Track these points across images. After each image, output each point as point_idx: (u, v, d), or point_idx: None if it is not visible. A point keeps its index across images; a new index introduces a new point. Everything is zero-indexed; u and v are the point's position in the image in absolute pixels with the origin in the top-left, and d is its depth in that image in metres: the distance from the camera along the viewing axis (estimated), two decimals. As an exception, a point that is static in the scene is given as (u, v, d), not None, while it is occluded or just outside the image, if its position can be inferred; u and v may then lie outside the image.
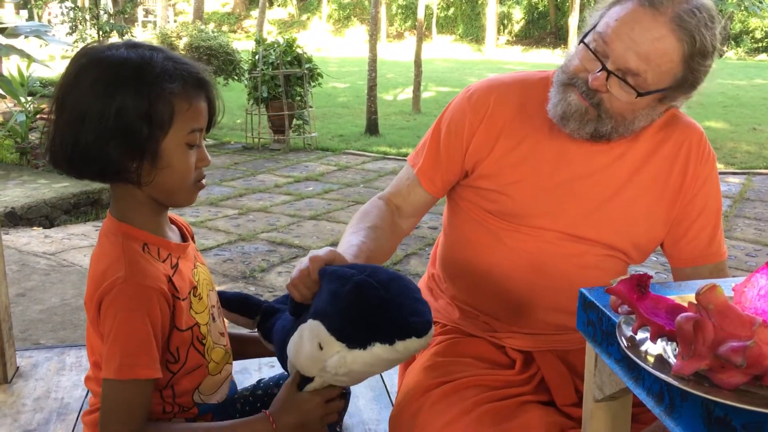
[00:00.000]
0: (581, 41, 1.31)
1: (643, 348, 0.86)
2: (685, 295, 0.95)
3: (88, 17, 12.11)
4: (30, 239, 4.72)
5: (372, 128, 9.43)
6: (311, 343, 1.16)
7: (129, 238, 1.16)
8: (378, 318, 1.13)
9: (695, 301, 0.78)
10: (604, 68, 1.26)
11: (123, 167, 1.11)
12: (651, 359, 0.84)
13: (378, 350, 1.13)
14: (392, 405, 1.49)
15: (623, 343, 0.87)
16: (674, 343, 0.84)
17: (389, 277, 1.18)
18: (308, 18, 30.55)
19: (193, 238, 1.34)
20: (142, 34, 18.34)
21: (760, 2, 23.27)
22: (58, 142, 1.12)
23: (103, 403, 1.11)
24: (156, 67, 1.11)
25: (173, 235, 1.26)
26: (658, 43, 1.22)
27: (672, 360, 0.82)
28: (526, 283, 1.41)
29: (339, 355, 1.14)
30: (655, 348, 0.86)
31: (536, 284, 1.41)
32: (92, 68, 1.11)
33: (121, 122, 1.08)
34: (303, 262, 1.22)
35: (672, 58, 1.24)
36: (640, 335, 0.88)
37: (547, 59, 22.45)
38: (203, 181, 1.21)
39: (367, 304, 1.14)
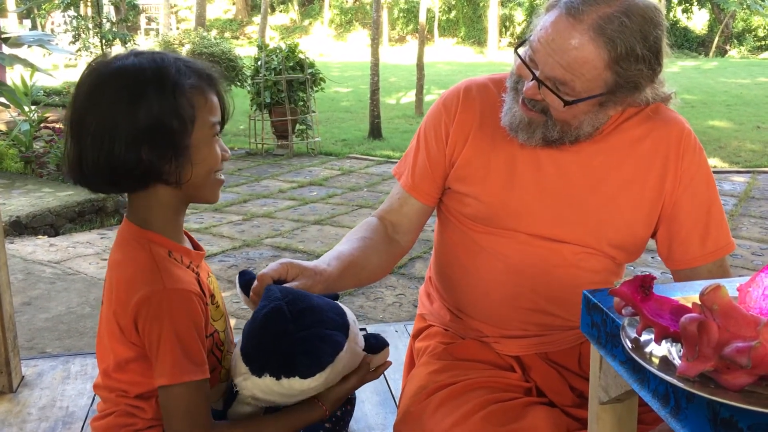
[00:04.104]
0: (515, 50, 1.31)
1: (647, 350, 0.86)
2: (689, 295, 0.94)
3: (91, 26, 12.17)
4: (35, 248, 4.74)
5: (375, 132, 9.44)
6: (234, 357, 1.20)
7: (155, 245, 1.17)
8: (273, 349, 1.15)
9: (699, 302, 0.78)
10: (535, 77, 1.26)
11: (161, 170, 1.12)
12: (656, 361, 0.84)
13: (268, 382, 1.15)
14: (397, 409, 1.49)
15: (628, 344, 0.86)
16: (679, 345, 0.84)
17: (306, 308, 1.18)
18: (310, 23, 30.62)
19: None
20: (144, 42, 18.42)
21: (763, 0, 23.26)
22: (89, 162, 1.12)
23: (165, 411, 1.13)
24: (171, 68, 1.13)
25: (187, 245, 1.27)
26: (577, 51, 1.21)
27: (677, 361, 0.82)
28: (507, 286, 1.41)
29: (243, 377, 1.17)
30: (659, 349, 0.86)
31: (517, 286, 1.40)
32: (107, 82, 1.12)
33: (152, 126, 1.09)
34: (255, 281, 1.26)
35: (595, 65, 1.22)
36: (644, 337, 0.87)
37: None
38: (222, 177, 1.22)
39: (271, 332, 1.16)
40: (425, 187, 1.48)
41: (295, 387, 1.15)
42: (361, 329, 2.48)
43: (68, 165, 1.15)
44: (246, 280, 1.32)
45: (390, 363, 1.34)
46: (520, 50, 1.31)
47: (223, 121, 1.22)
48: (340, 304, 1.28)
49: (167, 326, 1.11)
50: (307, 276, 1.29)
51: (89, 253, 4.64)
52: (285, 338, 1.15)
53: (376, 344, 1.31)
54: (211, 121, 1.16)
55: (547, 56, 1.24)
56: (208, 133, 1.16)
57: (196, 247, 1.30)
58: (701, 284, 0.83)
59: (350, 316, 1.26)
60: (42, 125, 7.22)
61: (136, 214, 1.20)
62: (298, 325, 1.16)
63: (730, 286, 0.85)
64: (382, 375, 2.23)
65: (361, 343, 1.28)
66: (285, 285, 1.25)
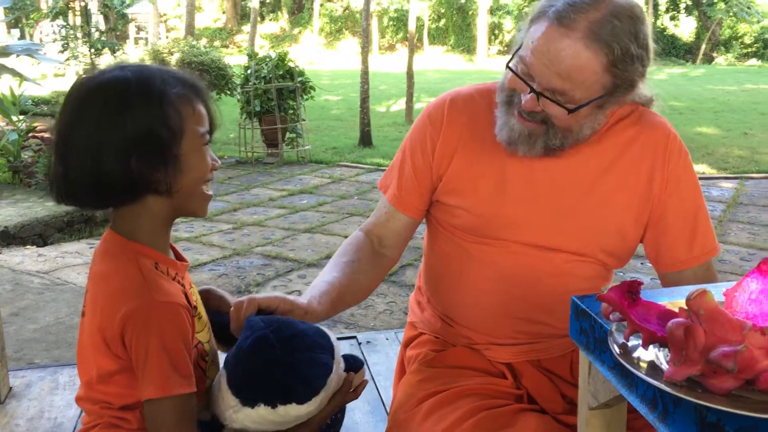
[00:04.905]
0: (507, 65, 1.30)
1: (635, 355, 0.86)
2: (676, 300, 0.94)
3: (79, 35, 12.13)
4: (23, 258, 4.71)
5: (365, 140, 9.45)
6: (218, 390, 1.19)
7: (142, 257, 1.16)
8: (266, 378, 1.14)
9: (686, 307, 0.78)
10: (532, 90, 1.26)
11: (151, 181, 1.11)
12: (644, 366, 0.84)
13: (262, 411, 1.14)
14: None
15: (615, 350, 0.87)
16: (666, 349, 0.84)
17: (292, 334, 1.18)
18: (300, 32, 30.66)
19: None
20: (134, 51, 18.38)
21: (749, 8, 23.49)
22: (74, 177, 1.11)
23: (152, 424, 1.12)
24: (156, 79, 1.12)
25: (172, 255, 1.26)
26: (575, 60, 1.21)
27: (664, 366, 0.82)
28: (499, 295, 1.40)
29: (233, 410, 1.16)
30: (647, 354, 0.86)
31: (508, 295, 1.40)
32: (95, 96, 1.11)
33: (141, 137, 1.09)
34: (245, 299, 1.25)
35: (595, 71, 1.22)
36: (632, 342, 0.88)
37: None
38: (210, 191, 1.21)
39: (259, 361, 1.15)
40: (412, 201, 1.48)
41: (292, 413, 1.14)
42: (351, 337, 2.47)
43: (54, 184, 1.14)
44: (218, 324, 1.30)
45: (367, 381, 1.33)
46: (512, 64, 1.30)
47: (211, 131, 1.21)
48: (321, 326, 1.28)
49: (155, 339, 1.10)
50: (298, 315, 1.28)
51: (78, 263, 4.62)
52: (275, 365, 1.15)
53: (354, 364, 1.30)
54: (199, 131, 1.16)
55: (543, 68, 1.23)
56: (197, 143, 1.15)
57: (179, 257, 1.29)
58: (688, 289, 0.84)
59: (332, 337, 1.26)
60: (30, 135, 7.18)
61: (123, 225, 1.18)
62: (286, 352, 1.16)
63: (717, 291, 0.85)
64: (373, 383, 2.23)
65: (342, 363, 1.27)
66: (267, 315, 1.24)
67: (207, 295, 1.32)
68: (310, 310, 1.31)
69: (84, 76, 1.16)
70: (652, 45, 1.26)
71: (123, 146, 1.08)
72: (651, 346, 0.86)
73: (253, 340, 1.16)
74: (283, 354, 1.15)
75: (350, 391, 1.28)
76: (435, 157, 1.44)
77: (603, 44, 1.20)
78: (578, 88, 1.23)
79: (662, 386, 0.77)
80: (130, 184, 1.11)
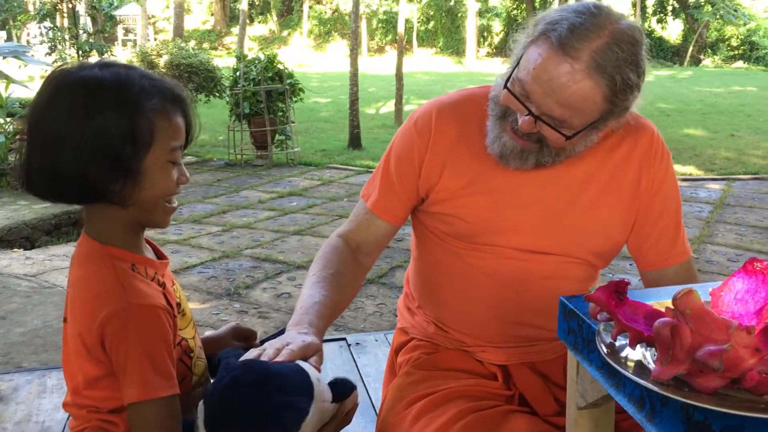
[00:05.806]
0: (505, 86, 1.28)
1: (622, 354, 0.87)
2: (662, 300, 0.95)
3: (67, 37, 12.07)
4: (11, 261, 4.67)
5: (354, 142, 9.44)
6: (198, 429, 1.17)
7: (117, 260, 1.14)
8: (238, 424, 1.12)
9: (672, 306, 0.79)
10: (530, 113, 1.25)
11: (106, 189, 1.09)
12: (631, 365, 0.85)
13: None
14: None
15: (603, 349, 0.87)
16: (653, 349, 0.85)
17: (265, 375, 1.15)
18: (289, 34, 30.65)
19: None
20: (122, 53, 18.30)
21: (735, 11, 23.67)
22: (36, 167, 1.10)
23: (135, 428, 1.11)
24: (134, 86, 1.10)
25: (149, 254, 1.25)
26: (578, 90, 1.20)
27: (651, 365, 0.83)
28: (491, 300, 1.41)
29: None
30: (634, 354, 0.87)
31: (500, 300, 1.40)
32: (68, 91, 1.09)
33: (102, 143, 1.06)
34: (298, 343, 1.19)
35: (595, 101, 1.21)
36: (619, 341, 0.88)
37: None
38: (174, 203, 1.19)
39: (230, 405, 1.12)
40: (395, 210, 1.46)
41: None
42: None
43: (19, 170, 1.12)
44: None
45: (358, 404, 1.29)
46: (509, 84, 1.28)
47: (188, 141, 1.19)
48: (301, 363, 1.22)
49: (134, 343, 1.09)
50: (313, 350, 1.22)
51: (66, 266, 4.59)
52: (247, 410, 1.12)
53: (344, 391, 1.28)
54: (171, 146, 1.13)
55: (544, 95, 1.21)
56: (164, 158, 1.12)
57: (160, 255, 1.27)
58: (674, 289, 0.84)
59: (313, 375, 1.21)
60: (17, 137, 7.12)
61: (94, 228, 1.17)
62: (259, 395, 1.12)
63: (703, 291, 0.86)
64: (363, 385, 2.23)
65: (328, 396, 1.23)
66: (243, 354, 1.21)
67: (234, 332, 1.38)
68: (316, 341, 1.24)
69: (65, 66, 1.14)
70: (646, 67, 1.25)
71: (83, 150, 1.06)
72: (638, 346, 0.87)
73: (226, 381, 1.12)
74: (256, 398, 1.12)
75: (343, 418, 1.26)
76: (423, 170, 1.42)
77: (606, 75, 1.19)
78: (577, 116, 1.23)
79: (649, 385, 0.78)
80: (85, 186, 1.09)
